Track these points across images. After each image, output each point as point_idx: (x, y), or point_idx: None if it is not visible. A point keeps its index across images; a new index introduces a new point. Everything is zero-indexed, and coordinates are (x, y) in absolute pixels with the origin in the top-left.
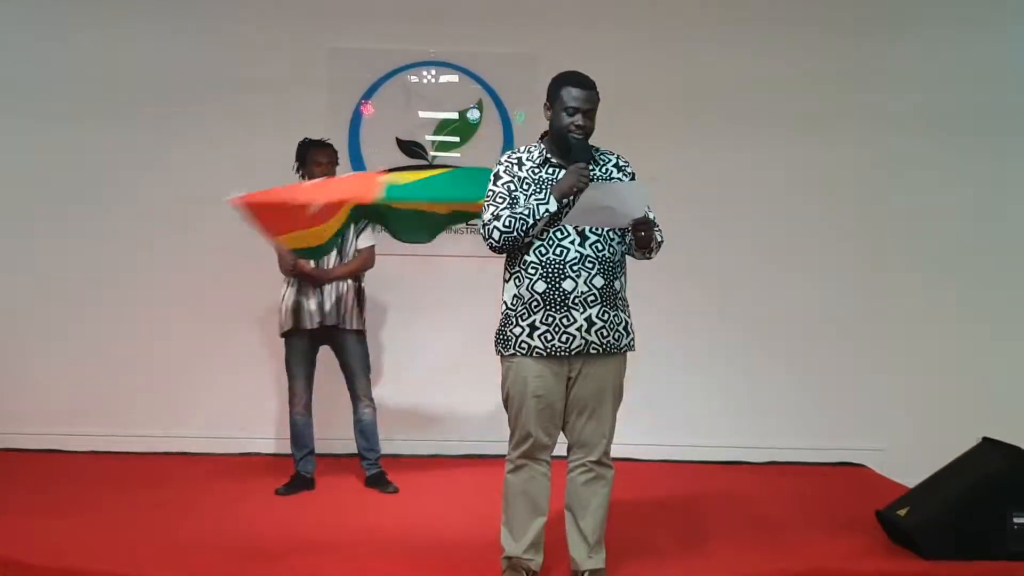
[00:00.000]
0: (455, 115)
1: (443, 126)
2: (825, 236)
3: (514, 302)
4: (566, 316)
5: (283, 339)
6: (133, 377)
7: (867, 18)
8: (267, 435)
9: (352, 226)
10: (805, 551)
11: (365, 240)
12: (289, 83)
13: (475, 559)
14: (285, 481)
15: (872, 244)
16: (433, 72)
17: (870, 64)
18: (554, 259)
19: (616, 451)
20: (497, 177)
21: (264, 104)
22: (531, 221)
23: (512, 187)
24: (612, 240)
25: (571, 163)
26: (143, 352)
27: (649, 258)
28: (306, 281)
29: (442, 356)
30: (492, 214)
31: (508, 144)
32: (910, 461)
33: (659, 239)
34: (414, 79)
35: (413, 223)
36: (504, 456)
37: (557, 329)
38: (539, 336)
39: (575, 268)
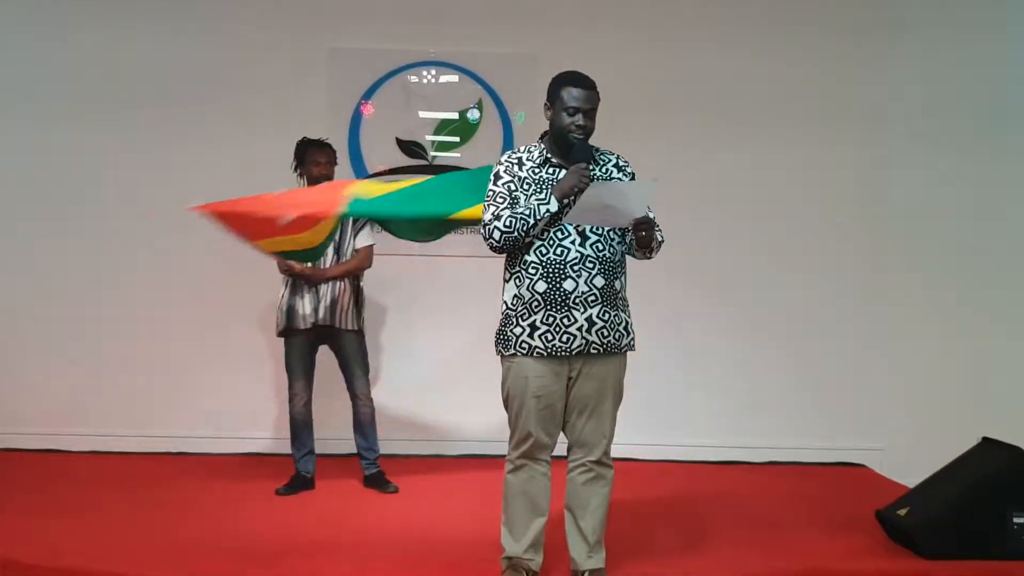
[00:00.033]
0: (455, 115)
1: (443, 126)
2: (825, 236)
3: (514, 302)
4: (567, 316)
5: (282, 339)
6: (133, 377)
7: (867, 18)
8: (267, 435)
9: (351, 224)
10: (805, 551)
11: (363, 239)
12: (289, 83)
13: (475, 559)
14: (285, 481)
15: (872, 244)
16: (433, 72)
17: (870, 64)
18: (555, 259)
19: (616, 451)
20: (497, 177)
21: (264, 104)
22: (532, 221)
23: (512, 187)
24: (612, 240)
25: (572, 163)
26: (143, 352)
27: (650, 258)
28: (301, 280)
29: (442, 356)
30: (493, 214)
31: (508, 144)
32: (910, 461)
33: (660, 239)
34: (414, 79)
35: (411, 224)
36: (504, 456)
37: (558, 329)
38: (540, 336)
39: (576, 268)
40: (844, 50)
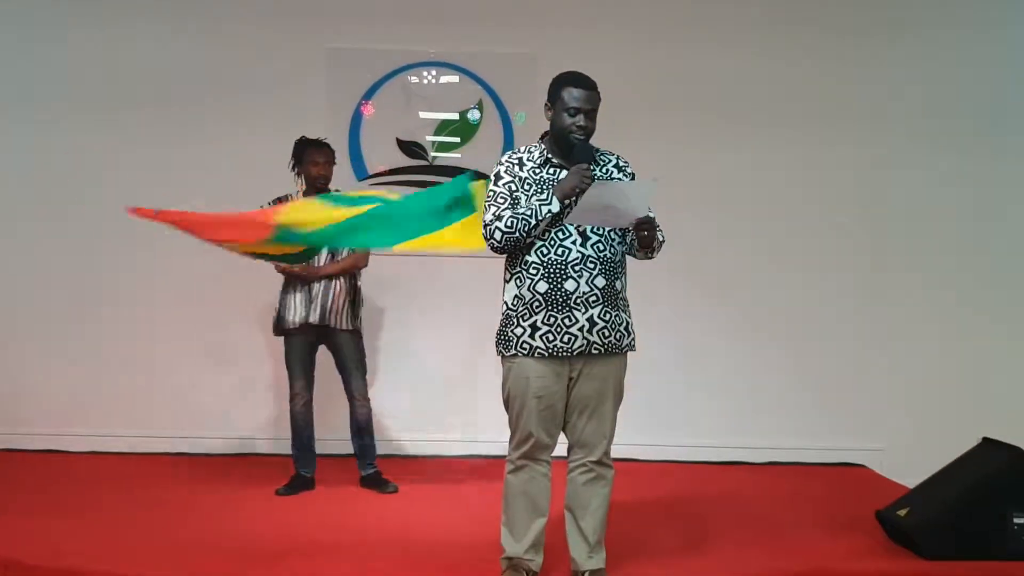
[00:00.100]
0: (455, 115)
1: (443, 127)
2: (825, 236)
3: (515, 302)
4: (568, 316)
5: (282, 338)
6: (133, 377)
7: (867, 18)
8: (267, 435)
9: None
10: (805, 551)
11: None
12: (289, 83)
13: (475, 559)
14: (285, 481)
15: (872, 244)
16: (433, 72)
17: (870, 64)
18: (556, 259)
19: (616, 451)
20: (498, 177)
21: (264, 104)
22: (533, 222)
23: (513, 187)
24: (613, 240)
25: (573, 164)
26: (143, 352)
27: (651, 258)
28: (295, 279)
29: (441, 356)
30: (494, 214)
31: (508, 144)
32: (910, 461)
33: (661, 239)
34: (414, 79)
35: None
36: (504, 456)
37: (559, 329)
38: (541, 336)
39: (577, 268)
40: (844, 50)
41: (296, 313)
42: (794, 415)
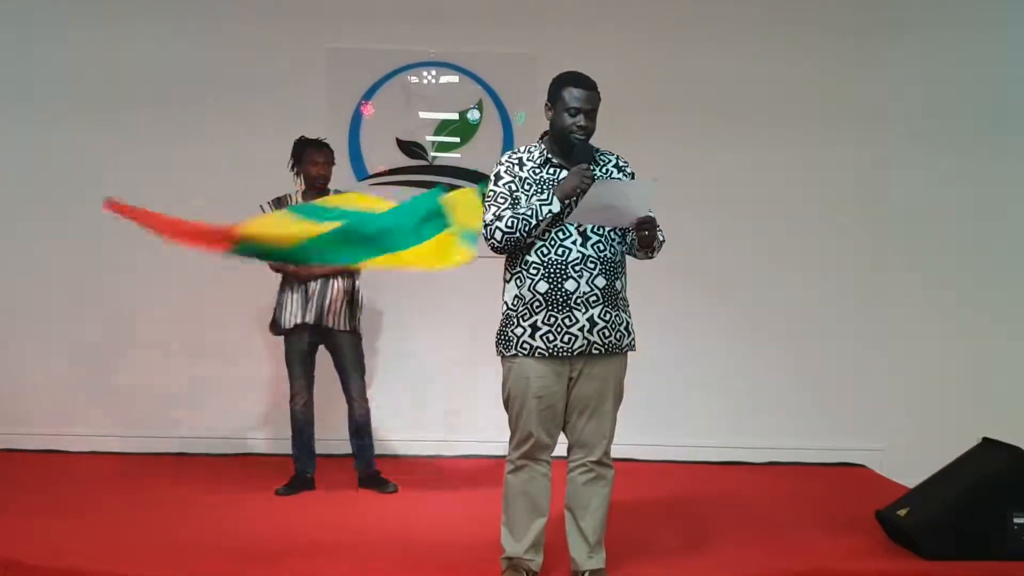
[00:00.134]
0: (455, 116)
1: (443, 127)
2: (825, 236)
3: (515, 302)
4: (568, 316)
5: (282, 338)
6: (132, 377)
7: (867, 18)
8: (267, 435)
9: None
10: (805, 551)
11: None
12: (289, 83)
13: (475, 559)
14: (285, 481)
15: (872, 244)
16: (433, 72)
17: (870, 64)
18: (556, 259)
19: (616, 451)
20: (498, 177)
21: (264, 104)
22: (534, 222)
23: (513, 187)
24: (613, 240)
25: (573, 164)
26: (143, 352)
27: (651, 257)
28: (290, 278)
29: (441, 356)
30: (494, 214)
31: (508, 144)
32: (910, 461)
33: (661, 239)
34: (414, 79)
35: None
36: (504, 456)
37: (559, 329)
38: (541, 336)
39: (577, 268)
40: (844, 50)
41: (292, 313)
42: (794, 415)
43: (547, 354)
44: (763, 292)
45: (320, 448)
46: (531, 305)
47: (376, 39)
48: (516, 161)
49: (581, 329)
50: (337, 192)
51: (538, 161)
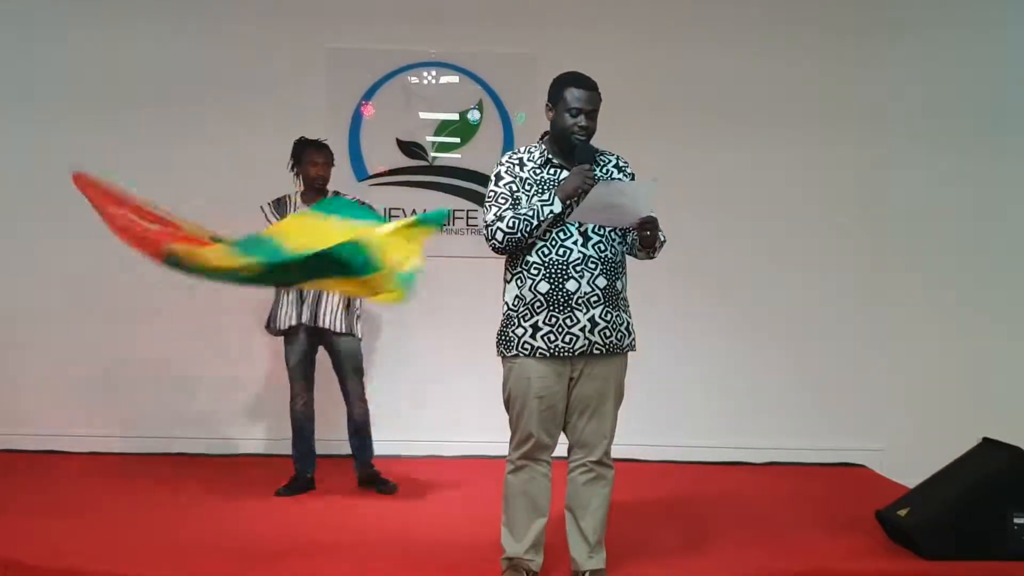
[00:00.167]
0: (455, 116)
1: (443, 127)
2: (825, 236)
3: (516, 303)
4: (569, 316)
5: (282, 339)
6: (133, 377)
7: (867, 18)
8: (267, 435)
9: None
10: (805, 551)
11: None
12: (289, 83)
13: (475, 559)
14: (285, 481)
15: (872, 244)
16: (433, 73)
17: (870, 64)
18: (557, 260)
19: (616, 451)
20: (499, 178)
21: (264, 104)
22: (535, 222)
23: (514, 188)
24: (614, 240)
25: (574, 164)
26: (143, 352)
27: (652, 257)
28: None
29: (441, 356)
30: (495, 215)
31: (508, 145)
32: (910, 461)
33: (662, 239)
34: (414, 80)
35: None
36: (504, 456)
37: (560, 330)
38: (542, 337)
39: (578, 269)
40: (844, 50)
41: (287, 314)
42: (794, 415)
43: (548, 354)
44: (763, 292)
45: (320, 448)
46: (532, 305)
47: (376, 39)
48: (516, 161)
49: (582, 329)
50: (336, 193)
51: (539, 161)
